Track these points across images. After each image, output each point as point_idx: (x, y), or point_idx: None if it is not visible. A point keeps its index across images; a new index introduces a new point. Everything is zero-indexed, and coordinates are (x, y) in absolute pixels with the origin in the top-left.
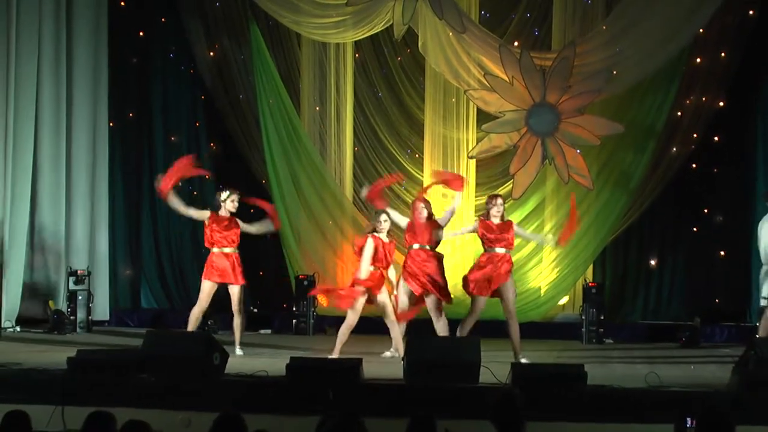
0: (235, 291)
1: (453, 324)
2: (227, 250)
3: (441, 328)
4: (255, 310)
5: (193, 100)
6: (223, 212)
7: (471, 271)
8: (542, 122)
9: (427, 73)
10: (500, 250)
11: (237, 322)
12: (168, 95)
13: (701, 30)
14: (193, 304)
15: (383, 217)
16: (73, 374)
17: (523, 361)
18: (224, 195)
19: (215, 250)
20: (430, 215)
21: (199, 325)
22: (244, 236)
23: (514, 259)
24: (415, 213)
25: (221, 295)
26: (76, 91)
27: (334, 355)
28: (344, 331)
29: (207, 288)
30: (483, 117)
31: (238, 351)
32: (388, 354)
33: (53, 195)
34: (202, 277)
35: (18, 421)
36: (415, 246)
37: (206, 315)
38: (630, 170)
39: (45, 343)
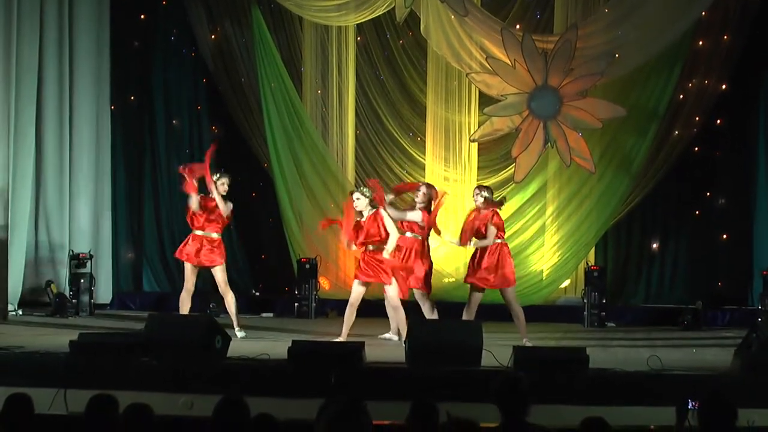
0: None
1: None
2: (208, 232)
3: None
4: (257, 294)
5: (194, 84)
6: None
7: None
8: (544, 105)
9: (429, 56)
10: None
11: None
12: (169, 79)
13: (704, 13)
14: (195, 287)
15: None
16: (75, 357)
17: (527, 344)
18: (214, 177)
19: (198, 232)
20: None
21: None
22: (246, 219)
23: (516, 242)
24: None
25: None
26: (78, 74)
27: (342, 339)
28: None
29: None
30: (485, 100)
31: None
32: (387, 336)
33: (55, 178)
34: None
35: (20, 404)
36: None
37: (209, 298)
38: (632, 153)
39: (47, 327)
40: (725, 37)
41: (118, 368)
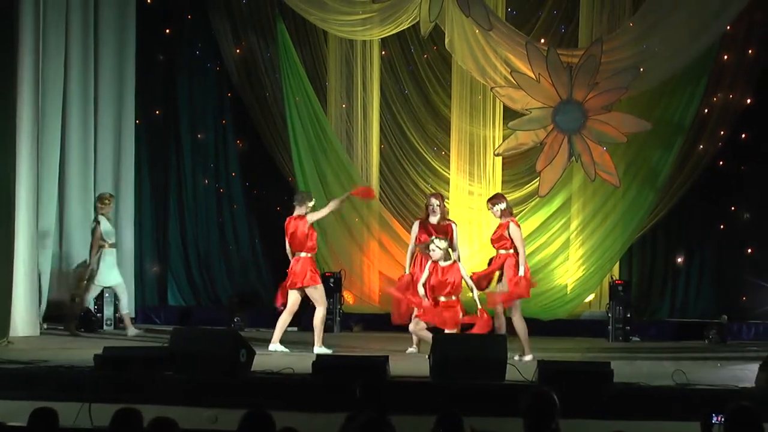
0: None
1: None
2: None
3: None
4: (282, 308)
5: (219, 98)
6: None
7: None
8: (569, 119)
9: (453, 71)
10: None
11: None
12: (194, 93)
13: (729, 27)
14: (219, 300)
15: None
16: (100, 371)
17: (525, 359)
18: (308, 197)
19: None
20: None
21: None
22: (268, 233)
23: (541, 256)
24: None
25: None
26: (102, 88)
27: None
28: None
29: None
30: (509, 114)
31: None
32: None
33: (80, 192)
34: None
35: (46, 417)
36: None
37: (234, 312)
38: (657, 167)
39: (72, 341)
40: (750, 51)
41: (142, 382)
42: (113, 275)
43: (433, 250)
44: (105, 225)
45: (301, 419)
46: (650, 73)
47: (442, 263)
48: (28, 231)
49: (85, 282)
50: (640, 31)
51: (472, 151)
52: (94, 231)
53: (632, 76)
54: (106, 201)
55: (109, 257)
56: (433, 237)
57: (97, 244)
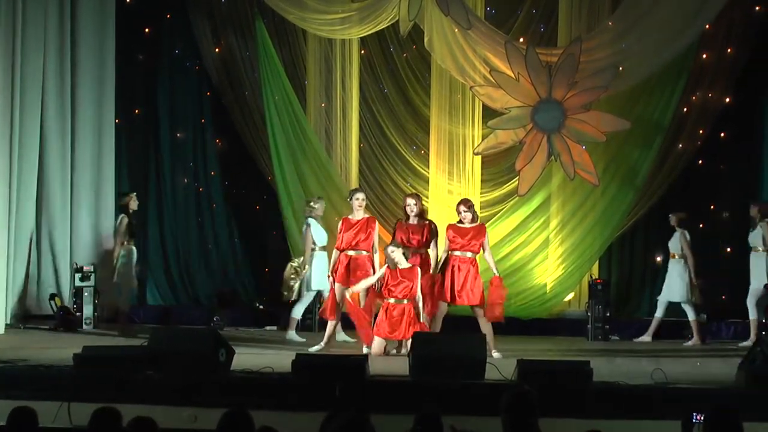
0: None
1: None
2: (351, 252)
3: None
4: (261, 307)
5: (199, 97)
6: (353, 214)
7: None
8: (548, 118)
9: (432, 70)
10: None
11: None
12: (174, 92)
13: (708, 26)
14: (199, 300)
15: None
16: (79, 370)
17: (495, 355)
18: (349, 194)
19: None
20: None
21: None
22: (247, 232)
23: (520, 255)
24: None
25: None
26: (81, 88)
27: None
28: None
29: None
30: (489, 113)
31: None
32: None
33: (59, 192)
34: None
35: (25, 417)
36: None
37: (213, 311)
38: (636, 166)
39: (51, 340)
40: (729, 50)
41: (122, 381)
42: (325, 280)
43: (392, 251)
44: (316, 228)
45: (281, 418)
46: (629, 71)
47: (401, 266)
48: None
49: (297, 288)
50: (619, 30)
51: (451, 150)
52: (305, 235)
53: (611, 75)
54: (313, 203)
55: (320, 261)
56: (394, 243)
57: (309, 248)
